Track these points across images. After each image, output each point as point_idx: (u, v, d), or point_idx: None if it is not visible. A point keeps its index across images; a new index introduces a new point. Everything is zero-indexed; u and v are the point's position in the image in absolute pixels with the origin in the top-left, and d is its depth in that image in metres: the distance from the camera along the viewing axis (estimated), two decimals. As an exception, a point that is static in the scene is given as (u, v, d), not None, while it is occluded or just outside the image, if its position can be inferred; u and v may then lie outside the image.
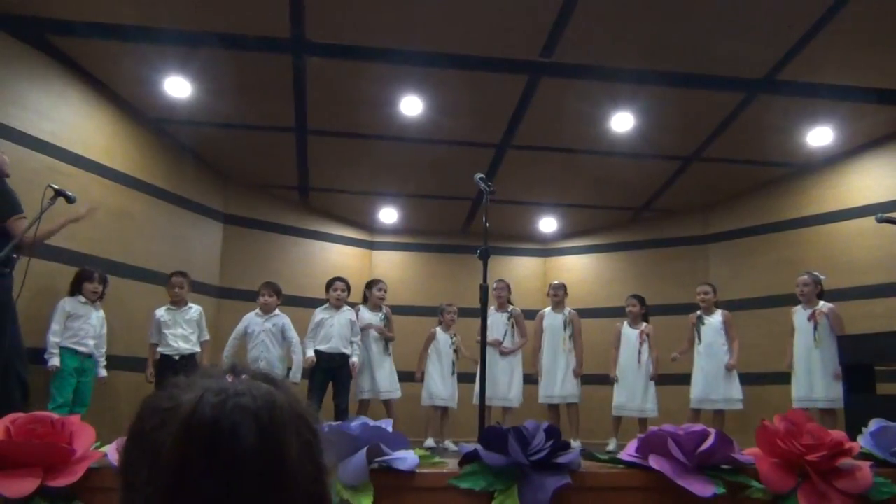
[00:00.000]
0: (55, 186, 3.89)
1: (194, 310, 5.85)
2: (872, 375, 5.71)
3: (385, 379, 6.23)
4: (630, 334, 6.45)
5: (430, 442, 6.13)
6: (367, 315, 6.35)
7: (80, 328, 4.99)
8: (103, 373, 5.21)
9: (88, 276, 5.09)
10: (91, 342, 5.06)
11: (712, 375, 6.06)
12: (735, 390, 6.03)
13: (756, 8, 4.82)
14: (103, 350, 5.23)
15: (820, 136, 6.49)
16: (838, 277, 6.55)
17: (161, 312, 5.71)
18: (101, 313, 5.20)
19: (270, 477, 0.65)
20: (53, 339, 4.83)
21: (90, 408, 4.98)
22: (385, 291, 6.51)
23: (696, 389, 6.14)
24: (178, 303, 5.77)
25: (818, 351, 5.64)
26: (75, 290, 5.04)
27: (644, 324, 6.49)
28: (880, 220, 4.17)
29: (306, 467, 0.69)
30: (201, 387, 0.69)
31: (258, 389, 0.69)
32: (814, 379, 5.63)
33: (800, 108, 6.09)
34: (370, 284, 6.53)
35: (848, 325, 6.00)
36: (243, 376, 0.72)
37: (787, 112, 6.13)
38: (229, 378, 0.71)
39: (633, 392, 6.27)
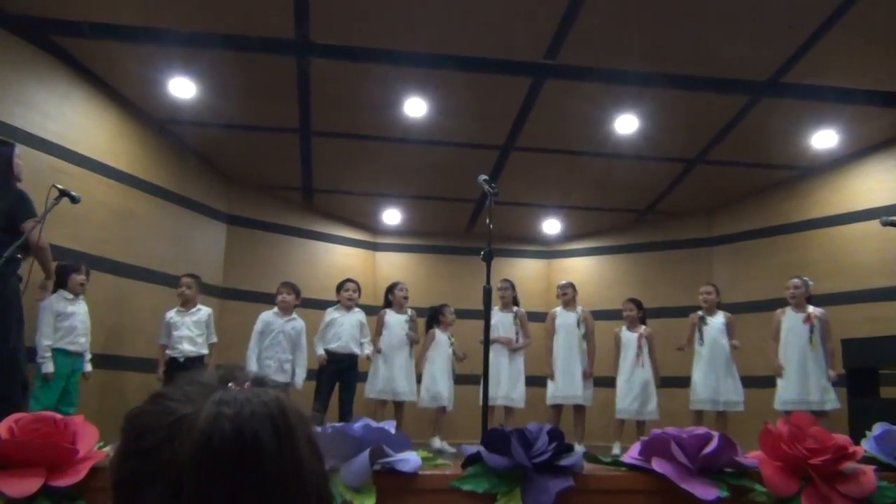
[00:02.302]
0: (59, 187, 3.90)
1: (203, 311, 5.79)
2: (876, 379, 5.71)
3: (406, 381, 6.25)
4: (629, 338, 6.40)
5: (436, 443, 6.09)
6: (394, 317, 6.37)
7: (72, 326, 4.77)
8: (88, 367, 4.98)
9: (76, 268, 4.85)
10: (83, 339, 4.85)
11: (715, 377, 6.00)
12: (737, 392, 5.97)
13: (760, 11, 4.82)
14: (87, 345, 4.99)
15: (824, 138, 6.48)
16: (842, 281, 6.54)
17: (171, 314, 5.68)
18: (85, 306, 4.95)
19: (290, 480, 0.67)
20: (45, 342, 4.56)
21: (90, 407, 4.92)
22: (406, 291, 6.53)
23: (697, 391, 6.07)
24: (186, 304, 5.73)
25: (813, 354, 5.64)
26: (59, 285, 4.72)
27: (643, 327, 6.42)
28: (885, 224, 4.16)
29: (316, 466, 0.71)
30: (207, 398, 0.69)
31: (267, 395, 0.70)
32: (809, 381, 5.62)
33: (804, 111, 6.08)
34: (391, 288, 6.55)
35: (852, 329, 5.98)
36: (246, 384, 0.72)
37: (792, 115, 6.12)
38: (232, 386, 0.71)
39: (634, 395, 6.23)
